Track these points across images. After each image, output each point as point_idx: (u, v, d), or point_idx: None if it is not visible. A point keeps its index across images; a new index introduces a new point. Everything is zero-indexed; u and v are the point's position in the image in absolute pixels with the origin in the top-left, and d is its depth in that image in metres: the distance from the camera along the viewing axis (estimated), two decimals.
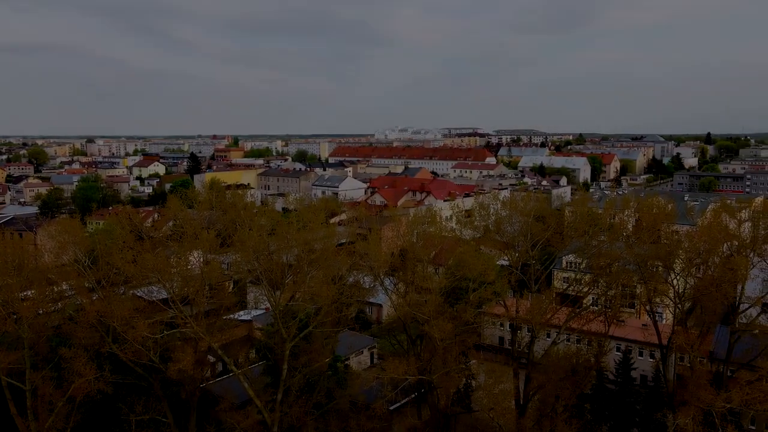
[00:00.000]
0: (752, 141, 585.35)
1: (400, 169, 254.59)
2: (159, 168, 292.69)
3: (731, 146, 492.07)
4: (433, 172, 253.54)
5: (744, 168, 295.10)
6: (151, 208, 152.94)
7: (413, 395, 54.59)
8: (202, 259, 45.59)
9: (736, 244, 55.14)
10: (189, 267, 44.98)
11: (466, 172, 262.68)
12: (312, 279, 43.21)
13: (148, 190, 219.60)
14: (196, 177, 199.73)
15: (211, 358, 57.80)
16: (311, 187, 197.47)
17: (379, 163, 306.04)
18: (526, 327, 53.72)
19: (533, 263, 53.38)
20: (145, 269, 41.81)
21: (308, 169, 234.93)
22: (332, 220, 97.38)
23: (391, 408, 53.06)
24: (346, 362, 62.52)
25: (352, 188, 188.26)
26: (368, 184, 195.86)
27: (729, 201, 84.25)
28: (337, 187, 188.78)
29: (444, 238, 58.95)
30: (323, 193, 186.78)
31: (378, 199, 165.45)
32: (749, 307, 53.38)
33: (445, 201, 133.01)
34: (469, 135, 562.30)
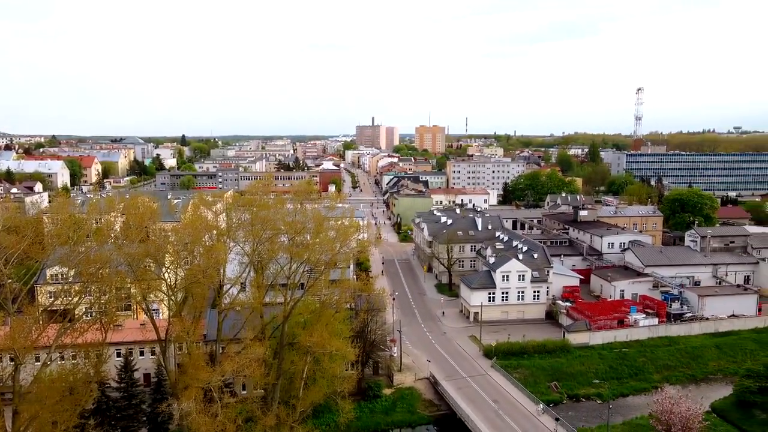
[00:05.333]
0: (220, 143, 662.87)
1: None
2: None
3: (203, 147, 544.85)
4: None
5: (216, 166, 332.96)
6: None
7: None
8: None
9: (215, 233, 61.67)
10: None
11: None
12: None
13: None
14: None
15: None
16: None
17: None
18: (8, 355, 46.76)
19: (9, 282, 46.93)
20: None
21: None
22: None
23: None
24: None
25: None
26: None
27: (206, 196, 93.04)
28: None
29: None
30: None
31: None
32: (231, 287, 60.52)
33: None
34: None
